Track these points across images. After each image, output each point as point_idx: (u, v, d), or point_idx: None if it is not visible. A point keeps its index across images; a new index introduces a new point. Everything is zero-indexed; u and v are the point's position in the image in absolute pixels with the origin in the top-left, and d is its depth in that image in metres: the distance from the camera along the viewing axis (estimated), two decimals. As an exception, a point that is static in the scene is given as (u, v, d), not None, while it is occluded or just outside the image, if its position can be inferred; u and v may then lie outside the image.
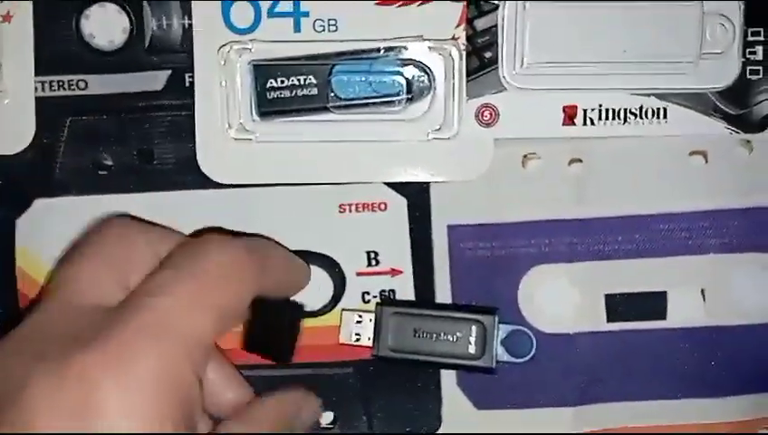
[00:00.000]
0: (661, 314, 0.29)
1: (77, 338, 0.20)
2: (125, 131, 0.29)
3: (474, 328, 0.27)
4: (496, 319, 0.27)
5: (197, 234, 0.28)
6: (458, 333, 0.27)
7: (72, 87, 0.29)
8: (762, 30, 0.28)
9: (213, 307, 0.22)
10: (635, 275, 0.28)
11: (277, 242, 0.28)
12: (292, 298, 0.27)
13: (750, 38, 0.28)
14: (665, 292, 0.29)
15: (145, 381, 0.20)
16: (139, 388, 0.20)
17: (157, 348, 0.20)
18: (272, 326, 0.26)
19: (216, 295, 0.22)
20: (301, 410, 0.26)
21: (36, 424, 0.19)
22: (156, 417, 0.20)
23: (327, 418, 0.29)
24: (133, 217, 0.27)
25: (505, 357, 0.27)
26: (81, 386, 0.19)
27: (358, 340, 0.28)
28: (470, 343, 0.27)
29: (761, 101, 0.28)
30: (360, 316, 0.28)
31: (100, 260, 0.23)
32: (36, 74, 0.29)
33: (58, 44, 0.29)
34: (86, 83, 0.29)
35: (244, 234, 0.29)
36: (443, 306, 0.29)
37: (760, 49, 0.28)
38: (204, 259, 0.23)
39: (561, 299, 0.29)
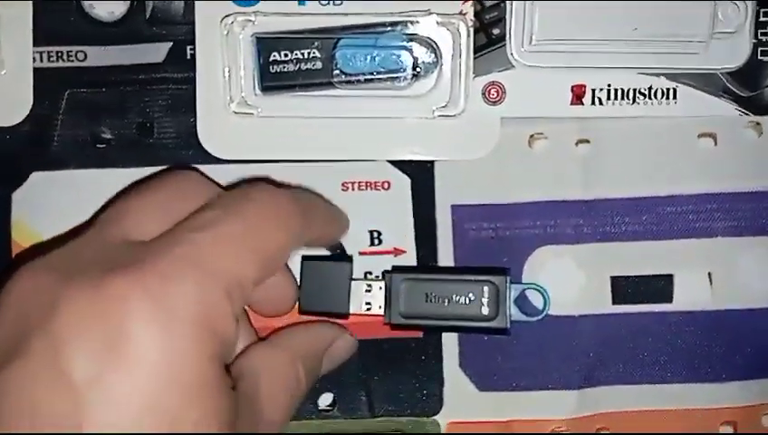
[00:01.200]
0: (667, 298, 0.28)
1: (114, 264, 0.19)
2: (124, 104, 0.29)
3: (486, 289, 0.26)
4: (508, 279, 0.27)
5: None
6: (471, 295, 0.26)
7: (71, 58, 0.29)
8: (774, 11, 0.28)
9: (255, 250, 0.21)
10: (641, 258, 0.28)
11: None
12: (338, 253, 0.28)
13: (762, 18, 0.28)
14: (671, 275, 0.28)
15: (181, 312, 0.19)
16: (174, 318, 0.19)
17: (195, 281, 0.19)
18: (326, 284, 0.26)
19: (259, 238, 0.22)
20: (333, 340, 0.26)
21: (65, 350, 0.18)
22: (190, 351, 0.19)
23: (326, 400, 0.29)
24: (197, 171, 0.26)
25: (520, 317, 0.27)
26: (114, 311, 0.18)
27: (369, 309, 0.27)
28: (483, 305, 0.26)
29: (771, 84, 0.28)
30: (369, 285, 0.27)
31: (151, 201, 0.22)
32: (35, 45, 0.28)
33: (57, 14, 0.28)
34: (85, 55, 0.29)
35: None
36: (453, 270, 0.28)
37: (772, 30, 0.28)
38: (250, 202, 0.22)
39: (566, 281, 0.28)
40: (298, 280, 0.27)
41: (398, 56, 0.28)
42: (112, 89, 0.29)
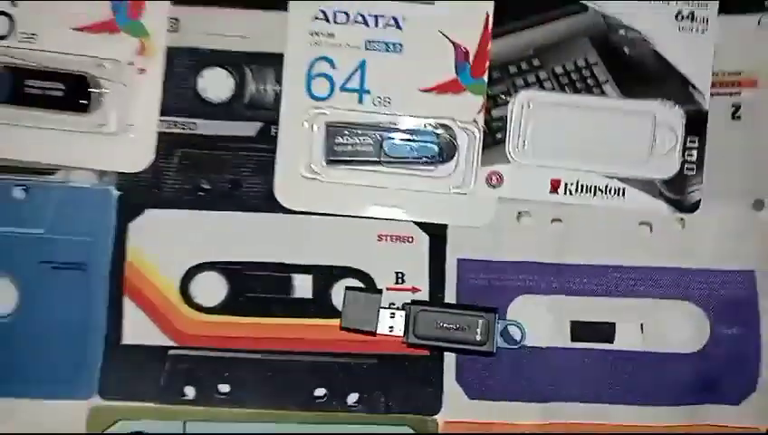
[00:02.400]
0: (611, 339, 0.38)
1: None
2: (221, 165, 0.38)
3: (480, 322, 0.36)
4: (496, 316, 0.36)
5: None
6: (468, 326, 0.36)
7: (185, 127, 0.38)
8: (696, 139, 0.38)
9: None
10: (593, 309, 0.38)
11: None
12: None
13: (688, 144, 0.38)
14: (614, 323, 0.38)
15: None
16: None
17: None
18: (361, 309, 0.36)
19: None
20: None
21: None
22: None
23: (353, 398, 0.38)
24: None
25: (503, 344, 0.36)
26: None
27: (391, 330, 0.36)
28: (477, 334, 0.36)
29: (693, 191, 0.38)
30: (393, 314, 0.37)
31: None
32: (160, 115, 0.38)
33: (178, 94, 0.38)
34: (196, 125, 0.38)
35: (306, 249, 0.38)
36: (456, 306, 0.37)
37: (695, 153, 0.38)
38: None
39: (538, 321, 0.38)
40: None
41: (429, 147, 0.38)
42: (213, 152, 0.38)
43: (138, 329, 0.37)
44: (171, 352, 0.37)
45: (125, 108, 0.37)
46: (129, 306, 0.37)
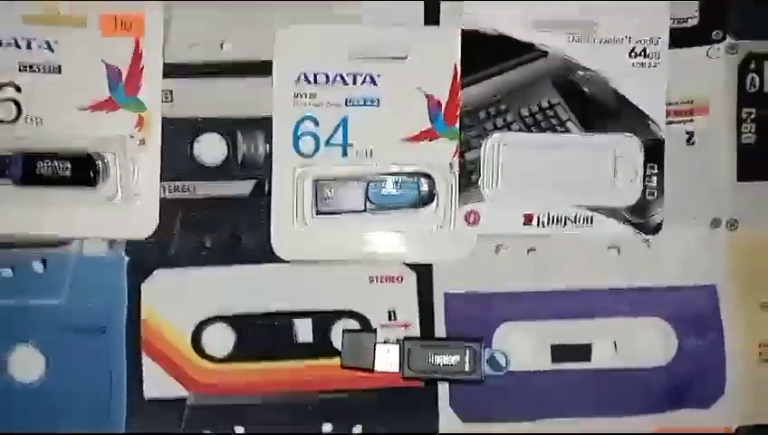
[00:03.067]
0: (587, 358, 0.41)
1: None
2: (220, 222, 0.41)
3: (467, 352, 0.39)
4: (482, 345, 0.40)
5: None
6: (457, 357, 0.39)
7: (185, 190, 0.41)
8: (655, 165, 0.41)
9: None
10: (570, 332, 0.41)
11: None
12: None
13: (648, 171, 0.41)
14: (590, 343, 0.42)
15: None
16: None
17: None
18: (359, 347, 0.39)
19: None
20: None
21: None
22: None
23: (357, 429, 0.41)
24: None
25: (490, 372, 0.40)
26: None
27: (388, 365, 0.40)
28: (465, 363, 0.39)
29: (655, 214, 0.41)
30: (388, 350, 0.40)
31: None
32: (161, 181, 0.41)
33: (177, 160, 0.41)
34: (194, 188, 0.41)
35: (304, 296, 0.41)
36: (445, 339, 0.41)
37: (655, 179, 0.41)
38: None
39: (521, 347, 0.41)
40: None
41: (410, 193, 0.41)
42: (213, 212, 0.41)
43: (156, 382, 0.41)
44: (190, 401, 0.41)
45: (129, 179, 0.40)
46: (147, 362, 0.41)
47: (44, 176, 0.39)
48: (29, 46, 0.39)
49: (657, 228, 0.41)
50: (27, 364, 0.40)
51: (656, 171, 0.41)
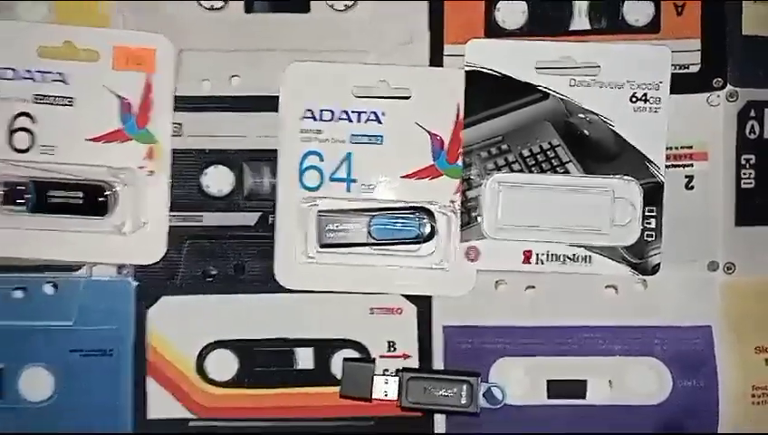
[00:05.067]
0: (582, 395, 0.42)
1: None
2: (226, 252, 0.42)
3: (464, 386, 0.40)
4: (479, 379, 0.41)
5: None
6: (454, 390, 0.40)
7: (192, 220, 0.42)
8: (654, 208, 0.42)
9: None
10: (566, 368, 0.42)
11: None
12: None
13: (647, 213, 0.42)
14: (585, 380, 0.42)
15: None
16: None
17: None
18: (357, 377, 0.40)
19: None
20: None
21: None
22: None
23: (359, 457, 0.42)
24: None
25: (486, 405, 0.41)
26: None
27: (386, 395, 0.41)
28: (462, 396, 0.40)
29: (653, 255, 0.42)
30: (387, 380, 0.41)
31: None
32: (169, 211, 0.42)
33: (184, 190, 0.42)
34: (201, 218, 0.43)
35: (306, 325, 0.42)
36: (443, 371, 0.42)
37: (653, 221, 0.42)
38: None
39: (517, 382, 0.42)
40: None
41: (412, 229, 0.42)
42: (218, 241, 0.42)
43: (161, 405, 0.42)
44: (192, 423, 0.42)
45: (138, 207, 0.41)
46: (152, 385, 0.42)
47: (57, 204, 0.40)
48: (44, 79, 0.40)
49: (654, 269, 0.42)
50: (37, 384, 0.41)
51: (654, 214, 0.42)
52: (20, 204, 0.40)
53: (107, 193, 0.40)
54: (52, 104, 0.40)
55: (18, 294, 0.41)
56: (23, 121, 0.41)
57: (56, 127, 0.40)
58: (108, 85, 0.40)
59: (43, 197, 0.40)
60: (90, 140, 0.41)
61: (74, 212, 0.40)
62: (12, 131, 0.40)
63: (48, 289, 0.41)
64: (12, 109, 0.40)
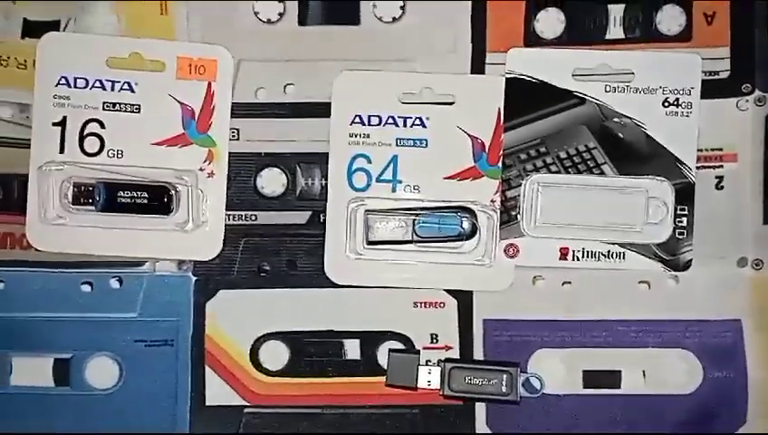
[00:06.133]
0: (617, 385, 0.44)
1: None
2: (279, 249, 0.45)
3: (504, 375, 0.42)
4: (519, 369, 0.43)
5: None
6: (495, 379, 0.42)
7: (248, 218, 0.45)
8: (686, 207, 0.44)
9: None
10: (601, 359, 0.44)
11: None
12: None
13: (678, 212, 0.44)
14: (620, 370, 0.44)
15: None
16: None
17: None
18: (403, 367, 0.43)
19: None
20: None
21: None
22: None
23: (405, 439, 0.45)
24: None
25: (525, 394, 0.43)
26: None
27: (429, 384, 0.43)
28: (502, 385, 0.42)
29: (684, 252, 0.44)
30: (430, 370, 0.43)
31: None
32: (226, 210, 0.45)
33: (241, 191, 0.45)
34: (256, 217, 0.45)
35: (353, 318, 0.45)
36: (483, 362, 0.44)
37: (685, 219, 0.44)
38: None
39: (554, 372, 0.44)
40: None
41: (454, 227, 0.44)
42: (272, 239, 0.45)
43: (217, 392, 0.44)
44: (246, 410, 0.45)
45: (198, 207, 0.44)
46: (209, 373, 0.45)
47: (124, 204, 0.43)
48: (113, 88, 0.43)
49: (686, 265, 0.44)
50: (103, 372, 0.44)
51: (686, 212, 0.44)
52: (89, 204, 0.43)
53: (170, 193, 0.43)
54: (120, 111, 0.43)
55: (86, 288, 0.44)
56: (93, 127, 0.44)
57: (124, 132, 0.43)
58: (172, 93, 0.43)
59: (111, 197, 0.43)
60: (155, 144, 0.44)
61: (140, 211, 0.43)
62: (83, 136, 0.43)
63: (114, 283, 0.44)
64: (83, 115, 0.43)
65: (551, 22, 0.45)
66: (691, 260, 0.44)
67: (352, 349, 0.45)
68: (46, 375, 0.44)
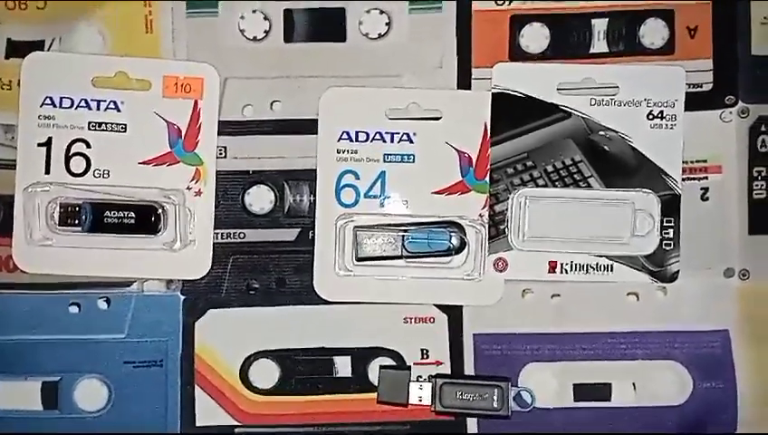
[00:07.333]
0: (607, 397, 0.44)
1: None
2: (268, 266, 0.45)
3: (495, 390, 0.42)
4: (509, 384, 0.43)
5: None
6: (486, 394, 0.42)
7: (236, 237, 0.45)
8: (672, 219, 0.44)
9: None
10: (591, 372, 0.44)
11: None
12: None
13: (665, 224, 0.44)
14: (610, 383, 0.45)
15: None
16: None
17: None
18: (394, 384, 0.42)
19: None
20: None
21: None
22: None
23: (393, 458, 0.44)
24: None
25: (516, 408, 0.43)
26: None
27: (421, 400, 0.43)
28: (493, 400, 0.42)
29: (672, 263, 0.44)
30: (421, 386, 0.43)
31: None
32: (214, 228, 0.45)
33: (228, 209, 0.45)
34: (244, 235, 0.45)
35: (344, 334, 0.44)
36: (474, 377, 0.44)
37: (671, 231, 0.44)
38: None
39: (544, 386, 0.44)
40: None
41: (443, 242, 0.44)
42: (260, 256, 0.45)
43: (207, 412, 0.44)
44: (237, 429, 0.44)
45: (186, 226, 0.44)
46: (199, 393, 0.44)
47: (111, 224, 0.43)
48: (98, 107, 0.43)
49: (673, 277, 0.44)
50: (92, 395, 0.44)
51: (672, 224, 0.44)
52: (76, 224, 0.43)
53: (158, 212, 0.43)
54: (106, 130, 0.43)
55: (73, 309, 0.44)
56: (79, 147, 0.43)
57: (110, 152, 0.43)
58: (158, 112, 0.43)
59: (98, 217, 0.43)
60: (141, 163, 0.43)
61: (127, 231, 0.43)
62: (68, 157, 0.43)
63: (102, 304, 0.44)
64: (69, 135, 0.43)
65: (536, 37, 0.45)
66: (678, 271, 0.44)
67: (343, 366, 0.45)
68: (34, 399, 0.44)
